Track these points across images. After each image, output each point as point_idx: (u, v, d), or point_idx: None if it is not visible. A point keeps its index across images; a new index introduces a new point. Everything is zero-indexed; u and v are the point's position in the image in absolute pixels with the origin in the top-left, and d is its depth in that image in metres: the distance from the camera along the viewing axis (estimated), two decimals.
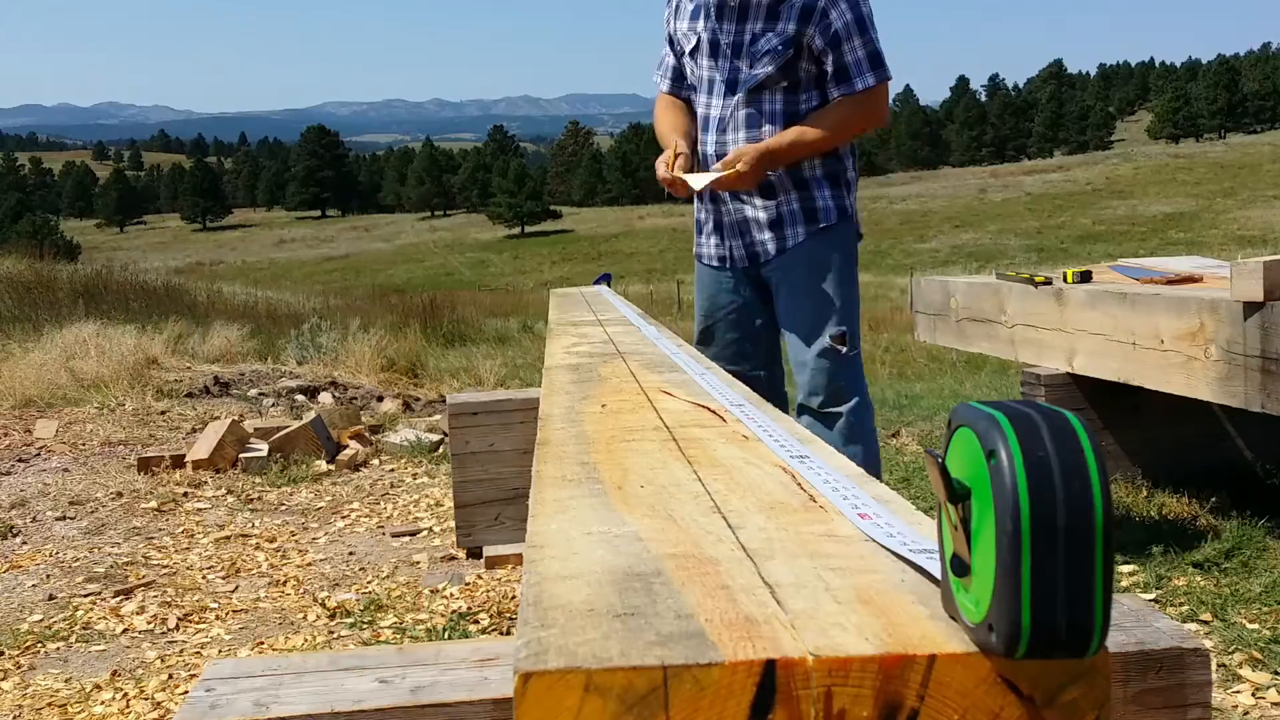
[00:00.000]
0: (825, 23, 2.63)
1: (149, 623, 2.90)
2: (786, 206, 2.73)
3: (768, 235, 2.76)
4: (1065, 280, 3.44)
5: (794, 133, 2.66)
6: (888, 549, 0.71)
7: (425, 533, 3.72)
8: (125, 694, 2.44)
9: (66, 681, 2.53)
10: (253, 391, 6.80)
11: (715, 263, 2.89)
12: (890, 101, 2.74)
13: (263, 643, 2.76)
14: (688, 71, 2.88)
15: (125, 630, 2.86)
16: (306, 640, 2.75)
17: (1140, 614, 0.94)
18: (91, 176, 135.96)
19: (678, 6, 2.87)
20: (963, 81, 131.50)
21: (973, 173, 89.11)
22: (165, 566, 3.40)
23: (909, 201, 74.53)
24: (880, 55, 2.69)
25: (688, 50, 2.84)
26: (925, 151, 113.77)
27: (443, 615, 2.87)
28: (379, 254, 77.33)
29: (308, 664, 1.11)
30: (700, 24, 2.77)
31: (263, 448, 4.75)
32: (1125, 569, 2.93)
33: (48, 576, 3.31)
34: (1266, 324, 2.52)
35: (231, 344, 8.93)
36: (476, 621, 2.81)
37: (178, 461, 4.61)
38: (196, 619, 2.94)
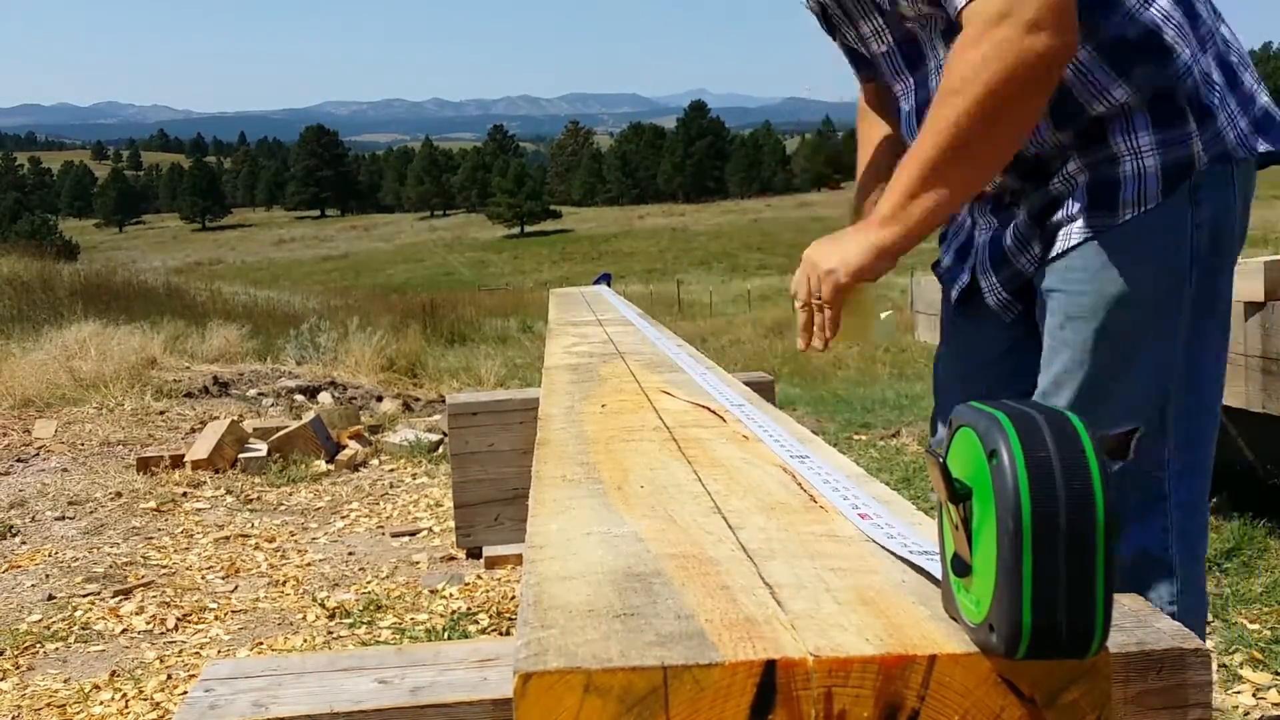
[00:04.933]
0: None
1: (148, 623, 2.90)
2: None
3: None
4: None
5: (898, 176, 1.32)
6: (888, 549, 0.71)
7: (425, 533, 3.72)
8: (124, 694, 2.44)
9: (65, 682, 2.53)
10: (252, 391, 6.80)
11: None
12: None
13: (262, 643, 2.75)
14: None
15: (124, 630, 2.85)
16: (306, 640, 2.75)
17: (1140, 614, 0.94)
18: (90, 176, 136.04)
19: None
20: None
21: None
22: (164, 567, 3.40)
23: None
24: None
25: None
26: None
27: (442, 615, 2.87)
28: (378, 254, 77.36)
29: (307, 664, 1.11)
30: None
31: (262, 448, 4.75)
32: None
33: (47, 576, 3.31)
34: (1267, 324, 2.52)
35: (231, 344, 8.93)
36: (476, 622, 2.81)
37: (177, 461, 4.60)
38: (195, 619, 2.94)
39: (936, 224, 1.34)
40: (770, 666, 0.53)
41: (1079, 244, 1.39)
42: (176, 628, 2.88)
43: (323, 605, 2.99)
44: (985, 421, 0.54)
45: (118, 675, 2.55)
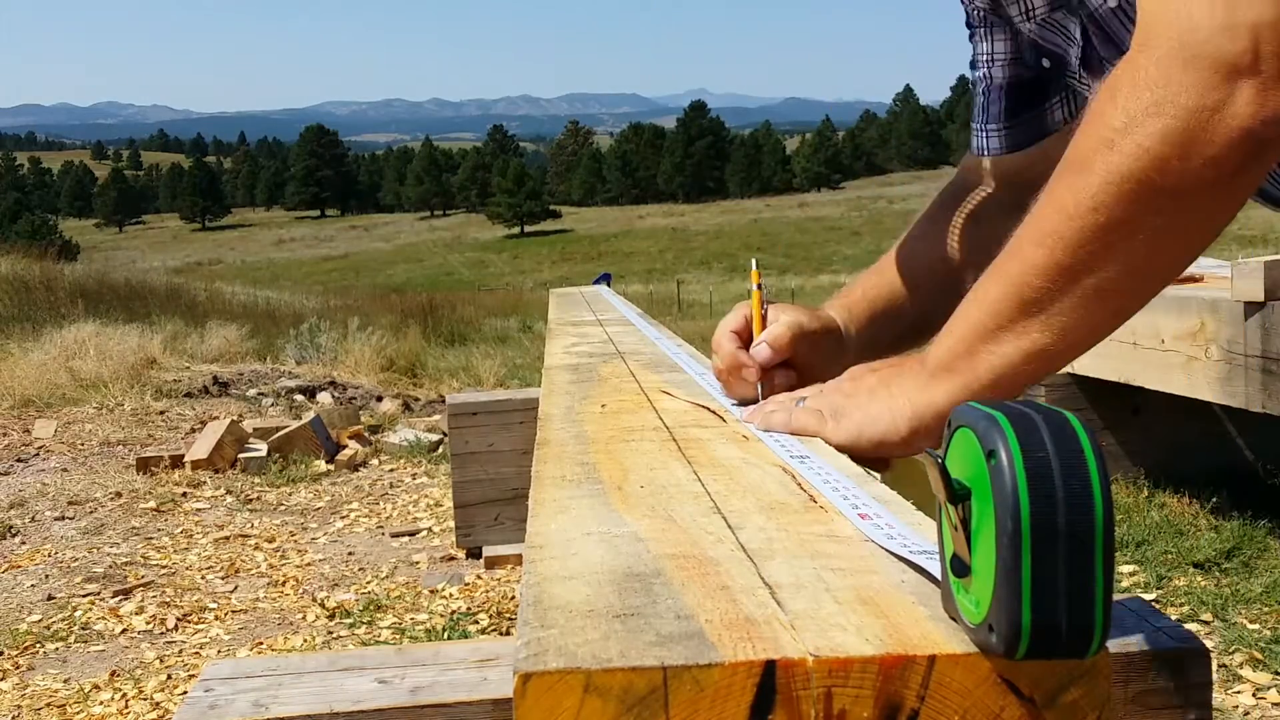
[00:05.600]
0: None
1: (148, 623, 2.90)
2: None
3: None
4: None
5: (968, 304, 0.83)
6: (887, 550, 0.71)
7: (425, 533, 3.72)
8: (124, 694, 2.44)
9: (65, 682, 2.53)
10: (252, 391, 6.80)
11: None
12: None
13: (262, 643, 2.76)
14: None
15: (124, 630, 2.85)
16: (305, 640, 2.75)
17: (1140, 614, 0.94)
18: (90, 176, 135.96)
19: None
20: (963, 81, 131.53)
21: None
22: (164, 567, 3.40)
23: (909, 201, 74.54)
24: None
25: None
26: (925, 151, 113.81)
27: (442, 615, 2.87)
28: (378, 254, 77.34)
29: (307, 664, 1.11)
30: None
31: (262, 448, 4.75)
32: (1125, 569, 2.93)
33: (46, 576, 3.31)
34: (1267, 324, 2.52)
35: (230, 344, 8.92)
36: (476, 622, 2.81)
37: (177, 461, 4.60)
38: (195, 619, 2.94)
39: (1027, 383, 0.81)
40: (770, 667, 0.52)
41: None
42: (176, 628, 2.88)
43: (323, 605, 2.99)
44: (984, 422, 0.54)
45: (118, 675, 2.55)
